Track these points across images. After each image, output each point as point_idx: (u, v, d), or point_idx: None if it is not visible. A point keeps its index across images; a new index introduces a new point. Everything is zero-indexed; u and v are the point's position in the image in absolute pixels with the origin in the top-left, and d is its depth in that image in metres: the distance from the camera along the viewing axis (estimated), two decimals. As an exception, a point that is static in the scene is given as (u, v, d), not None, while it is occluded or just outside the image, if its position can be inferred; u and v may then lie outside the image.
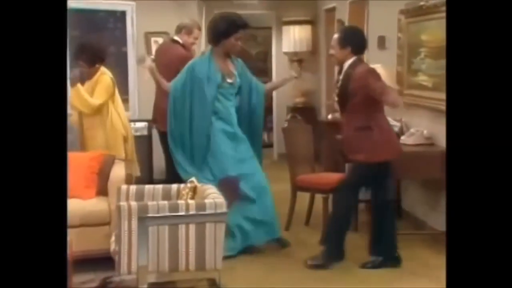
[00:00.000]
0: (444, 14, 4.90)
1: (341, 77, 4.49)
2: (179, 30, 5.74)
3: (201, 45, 7.79)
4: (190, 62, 4.99)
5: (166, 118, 5.56)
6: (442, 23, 4.93)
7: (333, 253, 4.59)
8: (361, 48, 4.56)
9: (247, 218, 4.80)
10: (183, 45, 5.68)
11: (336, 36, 4.56)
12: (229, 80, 4.89)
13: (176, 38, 5.75)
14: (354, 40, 4.52)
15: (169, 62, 5.56)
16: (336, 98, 4.62)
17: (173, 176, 5.39)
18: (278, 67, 9.36)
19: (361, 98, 4.34)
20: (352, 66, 4.43)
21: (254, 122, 5.09)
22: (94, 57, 5.24)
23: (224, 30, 4.81)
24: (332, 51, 4.58)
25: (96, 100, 5.18)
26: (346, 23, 7.48)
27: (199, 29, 5.92)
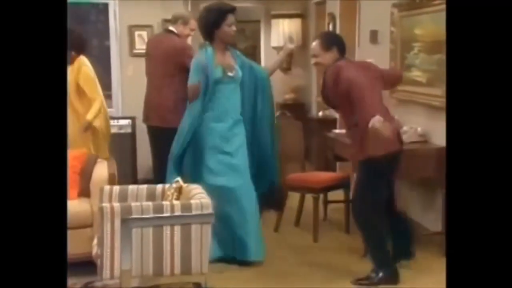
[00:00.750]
0: (438, 8, 4.91)
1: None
2: (175, 20, 5.68)
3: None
4: (193, 61, 4.87)
5: (159, 113, 5.52)
6: (436, 17, 4.94)
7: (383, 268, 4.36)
8: (344, 48, 4.52)
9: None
10: (178, 36, 5.64)
11: (316, 42, 4.47)
12: (230, 74, 4.75)
13: (171, 28, 5.69)
14: (338, 41, 4.52)
15: (164, 53, 5.51)
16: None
17: (160, 175, 5.37)
18: (267, 62, 9.32)
19: (338, 101, 4.35)
20: (331, 66, 4.39)
21: (262, 121, 4.90)
22: (79, 45, 5.30)
23: (213, 20, 4.73)
24: (316, 60, 4.48)
25: (94, 109, 5.27)
26: (337, 17, 7.47)
27: (196, 20, 5.88)
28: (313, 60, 4.56)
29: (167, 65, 5.42)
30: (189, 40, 5.82)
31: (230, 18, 4.73)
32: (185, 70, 5.44)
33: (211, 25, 4.74)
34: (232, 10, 4.77)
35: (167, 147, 5.35)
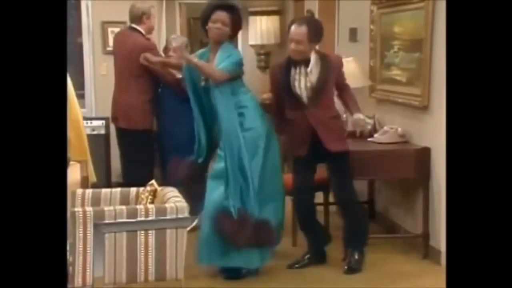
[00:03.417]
0: (418, 5, 4.94)
1: (318, 69, 4.50)
2: (139, 17, 5.62)
3: (163, 31, 7.73)
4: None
5: (126, 114, 5.50)
6: (416, 14, 4.98)
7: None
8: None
9: None
10: (142, 34, 5.59)
11: (304, 29, 4.43)
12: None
13: (136, 26, 5.63)
14: (321, 32, 4.60)
15: (129, 53, 5.48)
16: (308, 93, 4.52)
17: (130, 178, 5.35)
18: (244, 60, 9.28)
19: (331, 87, 4.62)
20: (324, 56, 4.54)
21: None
22: None
23: (202, 17, 4.60)
24: (300, 47, 4.45)
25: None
26: (316, 14, 7.48)
27: (153, 7, 5.85)
28: (294, 46, 4.47)
29: (132, 66, 5.39)
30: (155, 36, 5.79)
31: (216, 15, 4.52)
32: (151, 70, 5.42)
33: (202, 21, 4.62)
34: (219, 6, 4.58)
35: (135, 149, 5.32)
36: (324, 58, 4.55)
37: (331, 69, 4.53)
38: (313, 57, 4.51)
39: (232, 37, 4.70)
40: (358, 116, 4.60)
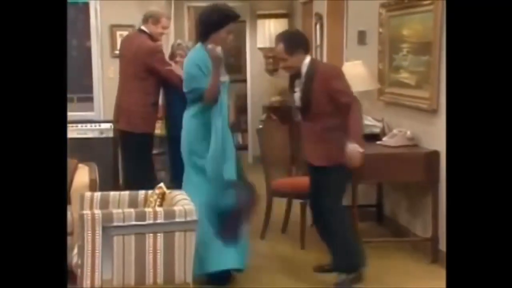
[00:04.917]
0: (427, 8, 4.96)
1: (302, 80, 4.42)
2: (145, 19, 5.63)
3: (171, 34, 7.76)
4: (189, 60, 4.64)
5: (128, 117, 5.49)
6: (425, 17, 4.99)
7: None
8: (309, 46, 4.57)
9: None
10: (150, 36, 5.59)
11: (280, 46, 4.41)
12: (222, 79, 4.60)
13: (142, 28, 5.64)
14: (301, 41, 4.50)
15: (133, 55, 5.47)
16: (299, 103, 4.51)
17: (128, 181, 5.38)
18: (252, 63, 9.33)
19: (322, 98, 4.35)
20: (312, 66, 4.41)
21: None
22: None
23: (214, 22, 4.57)
24: (285, 64, 4.46)
25: None
26: (325, 17, 7.51)
27: (168, 18, 5.82)
28: (282, 64, 4.55)
29: (137, 67, 5.38)
30: (164, 40, 5.77)
31: (231, 26, 4.57)
32: (156, 73, 5.41)
33: (211, 26, 4.57)
34: (236, 18, 4.65)
35: (135, 152, 5.33)
36: (311, 69, 4.40)
37: (316, 80, 4.35)
38: (303, 68, 4.40)
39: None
40: (353, 146, 4.14)
